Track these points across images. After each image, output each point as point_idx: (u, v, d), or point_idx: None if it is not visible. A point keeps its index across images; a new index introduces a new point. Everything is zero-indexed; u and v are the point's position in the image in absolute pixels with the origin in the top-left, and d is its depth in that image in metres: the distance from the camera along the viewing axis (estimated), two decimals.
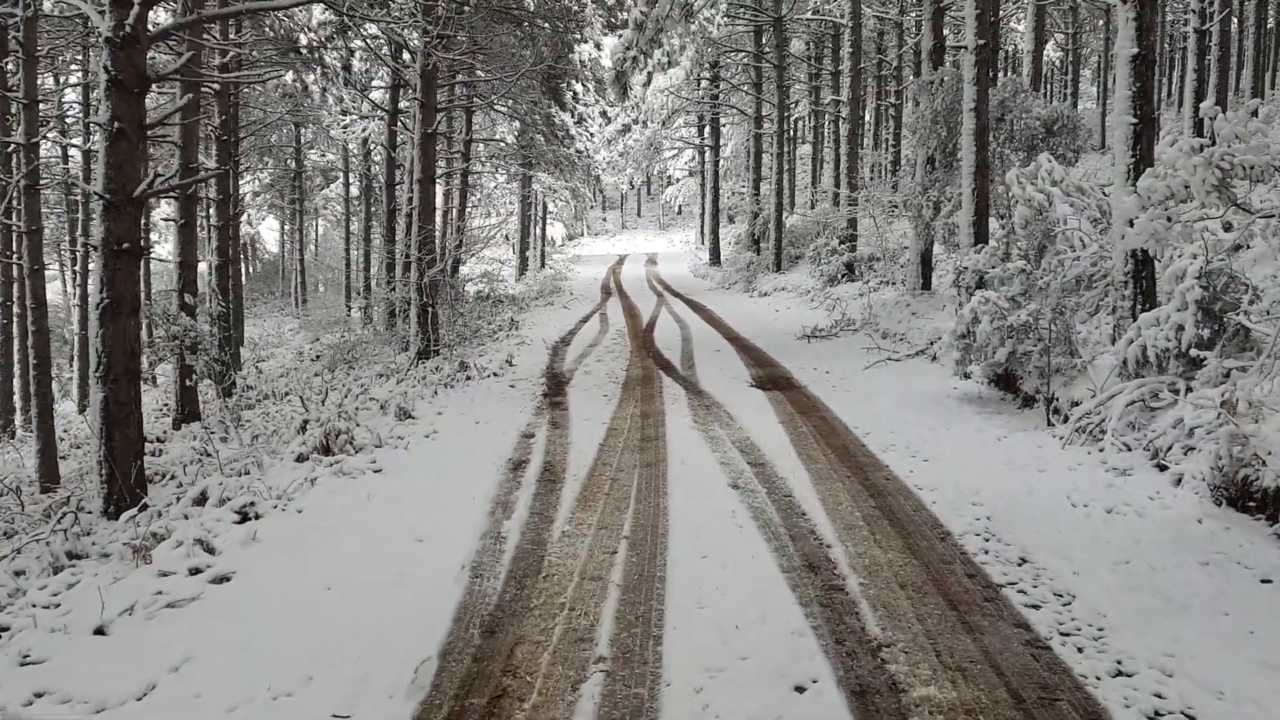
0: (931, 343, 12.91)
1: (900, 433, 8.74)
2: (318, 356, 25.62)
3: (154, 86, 12.35)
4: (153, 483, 11.04)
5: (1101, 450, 7.51)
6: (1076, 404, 8.54)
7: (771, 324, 19.10)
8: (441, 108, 20.57)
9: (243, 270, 61.38)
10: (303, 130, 41.93)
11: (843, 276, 21.81)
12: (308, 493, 7.19)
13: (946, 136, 14.77)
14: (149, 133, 9.02)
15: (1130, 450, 7.35)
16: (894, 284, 19.38)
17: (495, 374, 13.79)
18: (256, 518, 6.57)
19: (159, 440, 14.49)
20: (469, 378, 13.49)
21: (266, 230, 60.70)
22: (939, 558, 5.50)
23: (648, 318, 21.97)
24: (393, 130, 26.69)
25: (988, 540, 5.76)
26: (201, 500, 7.56)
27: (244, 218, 47.05)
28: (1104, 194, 11.34)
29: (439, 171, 30.08)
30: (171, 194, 17.68)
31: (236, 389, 17.13)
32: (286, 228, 55.17)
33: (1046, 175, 11.10)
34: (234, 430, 12.15)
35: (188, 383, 16.06)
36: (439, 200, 36.00)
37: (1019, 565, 5.37)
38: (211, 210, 23.05)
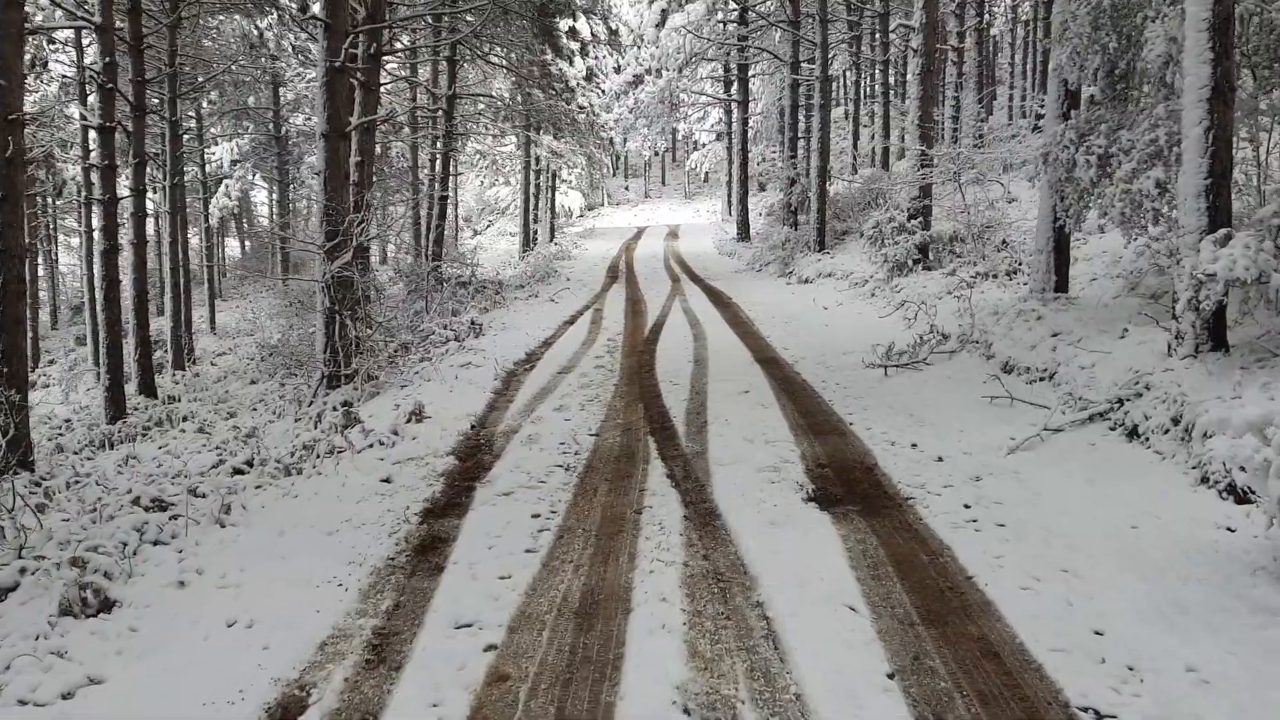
0: (1121, 401, 7.36)
1: None
2: (270, 354, 20.69)
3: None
4: None
5: None
6: None
7: (822, 332, 13.58)
8: (360, 32, 15.11)
9: (236, 247, 56.50)
10: (282, 90, 37.14)
11: (915, 263, 16.17)
12: None
13: (1117, 50, 9.10)
14: None
15: None
16: (994, 276, 13.75)
17: (382, 441, 8.43)
18: None
19: None
20: (335, 449, 8.15)
21: (260, 205, 55.59)
22: None
23: (654, 318, 16.52)
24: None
25: None
26: None
27: (222, 189, 41.99)
28: None
29: (390, 123, 24.67)
30: None
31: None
32: (275, 200, 50.02)
33: None
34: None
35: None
36: (440, 169, 30.63)
37: None
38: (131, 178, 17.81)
